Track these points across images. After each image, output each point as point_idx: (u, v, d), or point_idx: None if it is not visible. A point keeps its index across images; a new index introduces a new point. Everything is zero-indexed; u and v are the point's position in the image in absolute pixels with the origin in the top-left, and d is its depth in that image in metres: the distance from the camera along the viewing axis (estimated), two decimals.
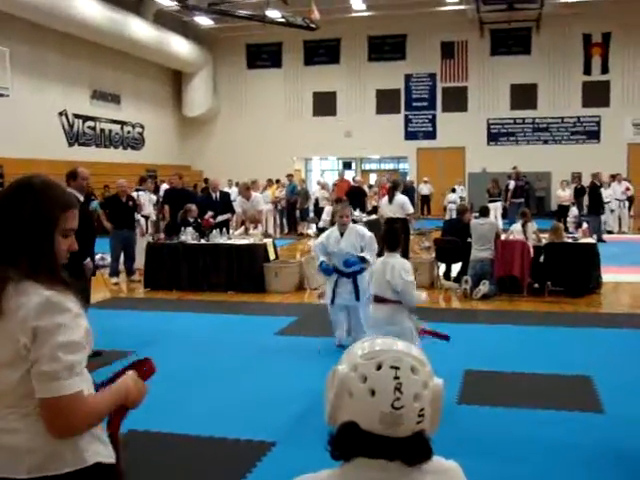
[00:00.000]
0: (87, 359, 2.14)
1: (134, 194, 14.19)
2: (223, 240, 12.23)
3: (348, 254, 7.58)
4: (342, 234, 7.71)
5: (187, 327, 9.12)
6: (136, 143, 30.11)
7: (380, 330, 5.54)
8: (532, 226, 11.69)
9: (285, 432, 5.25)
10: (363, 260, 7.49)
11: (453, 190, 27.10)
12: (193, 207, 12.97)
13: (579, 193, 22.64)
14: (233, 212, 14.12)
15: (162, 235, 13.55)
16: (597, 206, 18.69)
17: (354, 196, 18.61)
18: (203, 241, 12.16)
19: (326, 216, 17.82)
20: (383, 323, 5.82)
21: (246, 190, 13.94)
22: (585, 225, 14.18)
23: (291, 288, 11.80)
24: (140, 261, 12.84)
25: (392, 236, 6.18)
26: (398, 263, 5.91)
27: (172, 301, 11.18)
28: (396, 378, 1.52)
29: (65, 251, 2.15)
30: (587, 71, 29.93)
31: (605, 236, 18.96)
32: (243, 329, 9.05)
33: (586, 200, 20.51)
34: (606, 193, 21.03)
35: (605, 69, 29.76)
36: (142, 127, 30.35)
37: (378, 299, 5.99)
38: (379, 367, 1.53)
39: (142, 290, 12.20)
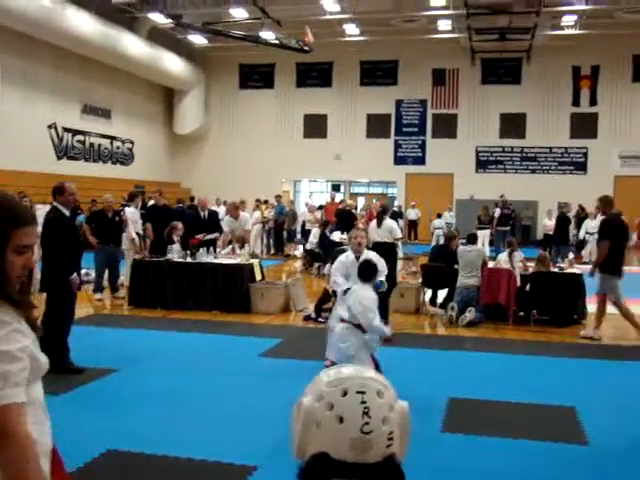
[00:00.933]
0: (41, 385, 2.07)
1: (126, 209, 14.18)
2: (209, 259, 12.18)
3: None
4: (357, 258, 7.55)
5: (171, 346, 9.04)
6: (125, 158, 30.07)
7: (334, 346, 6.46)
8: (518, 255, 11.71)
9: (267, 456, 5.18)
10: (382, 283, 7.36)
11: (439, 216, 27.16)
12: (179, 225, 12.93)
13: (563, 223, 22.78)
14: (221, 231, 14.10)
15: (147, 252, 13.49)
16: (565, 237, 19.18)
17: (343, 219, 18.62)
18: (189, 259, 12.10)
19: (313, 238, 17.85)
20: (337, 340, 6.35)
21: (235, 209, 13.92)
22: (571, 255, 14.24)
23: (277, 309, 11.74)
24: (126, 278, 12.76)
25: (368, 269, 6.38)
26: (362, 294, 6.17)
27: (156, 319, 11.09)
28: (363, 402, 1.51)
29: (20, 267, 2.09)
30: (576, 102, 30.26)
31: (589, 267, 18.96)
32: (227, 349, 8.99)
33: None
34: (592, 224, 21.13)
35: (593, 101, 30.10)
36: (132, 143, 30.34)
37: (341, 320, 6.40)
38: (345, 393, 1.52)
39: (126, 307, 12.10)
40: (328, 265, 11.14)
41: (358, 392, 1.50)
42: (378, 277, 7.16)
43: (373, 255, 7.68)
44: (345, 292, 6.83)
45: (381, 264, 7.41)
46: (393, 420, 1.51)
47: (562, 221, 19.70)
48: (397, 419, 1.53)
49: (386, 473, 1.53)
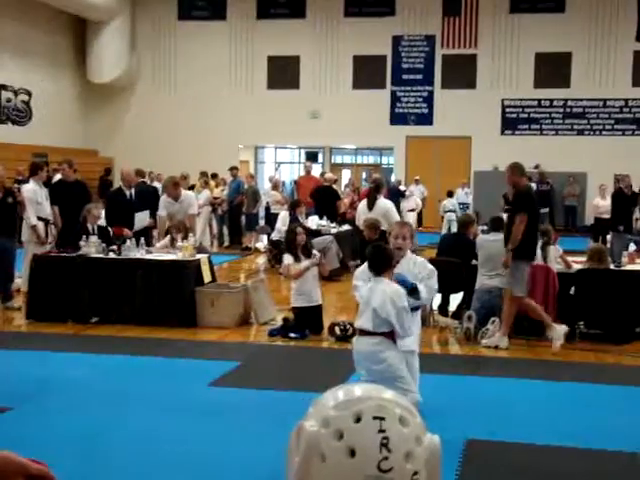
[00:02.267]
0: None
1: (23, 187, 14.10)
2: (140, 254, 12.15)
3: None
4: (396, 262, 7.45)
5: (87, 374, 9.01)
6: (19, 116, 29.86)
7: (363, 369, 6.31)
8: (555, 250, 11.74)
9: None
10: (414, 291, 7.11)
11: (450, 194, 27.21)
12: (95, 211, 12.89)
13: (627, 202, 22.96)
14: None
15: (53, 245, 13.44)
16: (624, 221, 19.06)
17: (323, 199, 18.68)
18: (112, 255, 12.06)
19: (281, 225, 17.86)
20: (366, 361, 6.33)
21: (174, 187, 13.89)
22: (633, 247, 14.34)
23: (232, 322, 11.75)
24: (23, 281, 12.70)
25: (380, 257, 6.50)
26: (389, 288, 6.26)
27: (66, 337, 11.04)
28: (381, 431, 1.52)
29: None
30: None
31: None
32: (165, 377, 8.98)
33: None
34: None
35: None
36: (28, 94, 30.10)
37: (362, 332, 6.40)
38: (358, 419, 1.54)
39: (24, 322, 12.05)
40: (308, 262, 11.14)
41: (375, 418, 1.52)
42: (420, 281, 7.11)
43: (421, 259, 7.55)
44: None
45: (431, 269, 7.32)
46: (419, 457, 1.52)
47: (620, 200, 19.72)
48: (425, 456, 1.54)
49: None
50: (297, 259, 11.14)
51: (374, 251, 6.62)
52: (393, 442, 1.51)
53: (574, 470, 6.30)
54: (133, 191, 14.01)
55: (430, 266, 7.53)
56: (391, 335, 6.27)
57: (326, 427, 1.56)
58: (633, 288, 11.36)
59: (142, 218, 13.76)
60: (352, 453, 1.51)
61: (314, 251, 11.79)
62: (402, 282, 7.15)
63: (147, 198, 14.28)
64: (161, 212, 13.90)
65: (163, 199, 14.18)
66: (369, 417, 1.53)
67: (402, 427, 1.53)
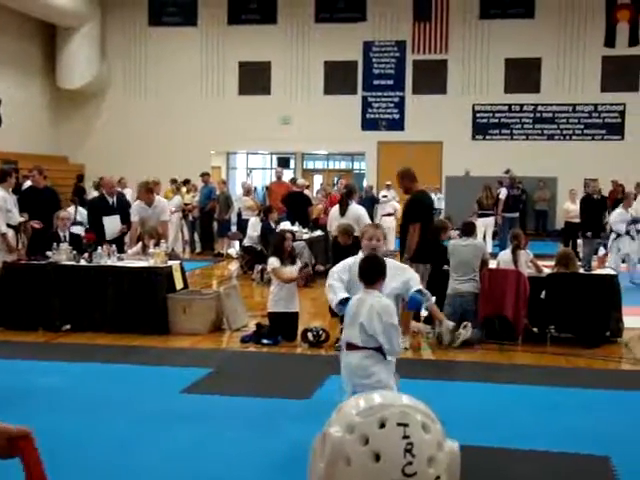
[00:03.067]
0: None
1: None
2: (112, 261, 12.11)
3: (394, 289, 7.13)
4: None
5: (56, 382, 8.96)
6: None
7: (351, 383, 6.01)
8: (525, 254, 11.82)
9: None
10: (421, 293, 7.10)
11: None
12: (64, 214, 12.83)
13: (596, 207, 23.10)
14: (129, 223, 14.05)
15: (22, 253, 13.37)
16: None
17: (294, 204, 18.69)
18: (83, 262, 12.01)
19: (252, 231, 17.84)
20: (354, 376, 6.08)
21: (147, 192, 13.84)
22: (602, 251, 14.46)
23: (205, 328, 11.74)
24: None
25: (374, 267, 6.25)
26: (377, 302, 6.02)
27: (37, 345, 10.99)
28: (405, 437, 1.53)
29: None
30: (610, 42, 30.61)
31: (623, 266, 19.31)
32: (137, 384, 8.95)
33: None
34: (634, 207, 21.43)
35: (634, 40, 30.46)
36: None
37: (350, 346, 6.16)
38: (382, 424, 1.55)
39: None
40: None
41: (399, 424, 1.53)
42: (413, 286, 6.96)
43: (392, 262, 7.49)
44: (342, 302, 6.71)
45: (409, 268, 7.36)
46: (441, 462, 1.54)
47: (588, 205, 19.90)
48: (446, 461, 1.55)
49: None
50: (283, 263, 11.19)
51: (367, 260, 6.36)
52: (417, 448, 1.53)
53: (546, 474, 6.33)
54: (115, 199, 13.97)
55: (402, 265, 7.58)
56: (380, 349, 6.04)
57: (351, 433, 1.57)
58: (603, 292, 11.44)
59: (112, 221, 13.66)
60: (377, 458, 1.52)
61: (298, 261, 11.86)
62: (417, 301, 7.08)
63: (124, 206, 14.23)
64: (134, 218, 13.84)
65: (136, 205, 14.13)
66: (393, 423, 1.55)
67: (425, 433, 1.55)
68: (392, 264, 7.24)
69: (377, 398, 1.63)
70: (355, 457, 1.53)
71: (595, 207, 19.66)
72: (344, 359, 6.30)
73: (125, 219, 13.82)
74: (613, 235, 17.42)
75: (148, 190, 13.92)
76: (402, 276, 7.12)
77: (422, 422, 1.56)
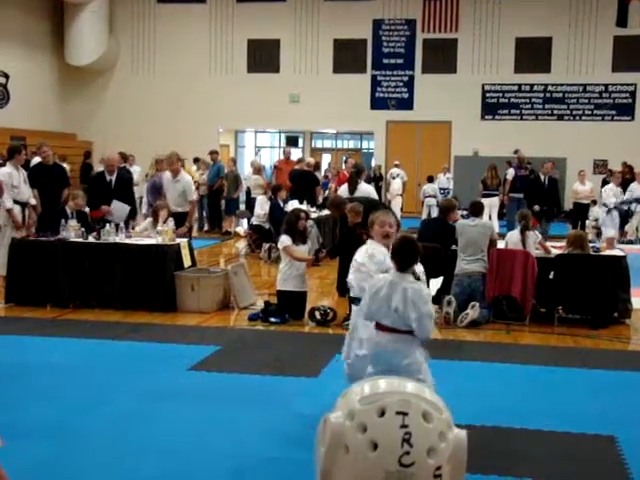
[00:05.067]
0: None
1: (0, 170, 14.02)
2: (120, 239, 12.13)
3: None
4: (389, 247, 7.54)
5: (65, 359, 9.01)
6: None
7: (383, 363, 5.78)
8: (534, 235, 11.81)
9: None
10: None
11: (430, 179, 27.29)
12: (80, 193, 12.85)
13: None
14: (133, 204, 14.01)
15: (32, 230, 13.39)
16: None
17: (302, 184, 18.68)
18: (91, 239, 12.04)
19: (260, 209, 17.84)
20: (390, 358, 5.84)
21: (178, 161, 13.85)
22: (611, 232, 14.44)
23: (212, 306, 11.78)
24: (1, 265, 12.66)
25: (410, 250, 5.96)
26: (411, 288, 5.81)
27: (46, 322, 11.04)
28: (404, 426, 1.54)
29: None
30: (622, 22, 30.44)
31: (636, 247, 19.32)
32: (144, 361, 8.99)
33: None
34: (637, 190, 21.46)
35: None
36: (6, 77, 29.89)
37: (381, 327, 5.96)
38: (382, 413, 1.55)
39: (2, 305, 12.03)
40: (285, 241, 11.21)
41: (398, 413, 1.53)
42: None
43: None
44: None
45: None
46: (443, 452, 1.53)
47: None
48: (449, 452, 1.55)
49: None
50: (294, 242, 11.21)
51: (403, 243, 6.01)
52: (415, 437, 1.53)
53: (552, 454, 6.35)
54: (115, 176, 13.87)
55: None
56: (412, 332, 5.81)
57: (351, 420, 1.58)
58: (611, 273, 11.43)
59: (120, 209, 13.59)
60: (374, 447, 1.53)
61: (309, 241, 11.92)
62: None
63: (125, 185, 14.12)
64: (143, 195, 13.83)
65: (166, 177, 14.13)
66: (392, 412, 1.55)
67: (425, 423, 1.55)
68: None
69: (382, 385, 1.63)
70: (353, 446, 1.54)
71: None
72: (375, 340, 6.06)
73: (125, 198, 13.70)
74: (604, 209, 17.48)
75: (178, 160, 13.94)
76: None
77: (424, 411, 1.57)
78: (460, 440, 1.60)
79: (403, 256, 5.91)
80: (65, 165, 18.15)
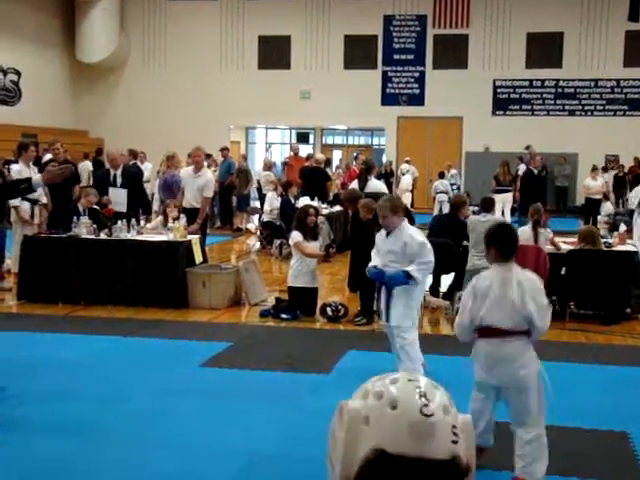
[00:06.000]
0: None
1: (12, 167, 14.06)
2: (131, 235, 12.16)
3: (389, 261, 7.84)
4: (389, 233, 7.93)
5: (78, 355, 9.04)
6: (9, 96, 29.74)
7: (498, 375, 5.53)
8: (545, 232, 11.77)
9: None
10: (409, 276, 7.67)
11: (441, 175, 27.26)
12: (92, 191, 12.88)
13: (619, 184, 23.09)
14: (142, 203, 13.95)
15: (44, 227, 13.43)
16: None
17: (312, 180, 18.68)
18: (103, 236, 12.07)
19: (268, 206, 17.86)
20: (504, 366, 5.52)
21: (199, 153, 13.85)
22: (623, 227, 14.41)
23: (224, 303, 11.79)
24: (13, 261, 12.70)
25: (510, 238, 5.65)
26: (526, 279, 5.49)
27: (58, 318, 11.07)
28: (418, 387, 1.58)
29: None
30: (633, 16, 30.29)
31: None
32: (156, 358, 9.02)
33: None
34: None
35: None
36: (18, 74, 29.98)
37: (494, 332, 5.55)
38: (395, 382, 1.59)
39: (14, 302, 12.06)
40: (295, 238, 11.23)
41: (410, 380, 1.58)
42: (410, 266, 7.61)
43: (412, 231, 7.88)
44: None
45: (418, 243, 7.73)
46: (455, 416, 1.57)
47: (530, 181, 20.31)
48: (459, 422, 1.59)
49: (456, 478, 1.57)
50: (305, 238, 11.22)
51: (502, 230, 5.69)
52: (430, 395, 1.57)
53: (564, 449, 6.35)
54: (119, 172, 13.78)
55: (420, 239, 7.77)
56: (527, 332, 5.49)
57: (365, 398, 1.61)
58: (623, 268, 11.41)
59: (117, 194, 13.43)
60: (394, 407, 1.56)
61: (320, 237, 11.96)
62: (376, 276, 7.93)
63: (130, 179, 14.04)
64: (155, 191, 13.78)
65: (185, 172, 14.11)
66: (405, 380, 1.59)
67: (435, 390, 1.60)
68: (409, 234, 7.62)
69: (394, 373, 1.67)
70: (372, 413, 1.56)
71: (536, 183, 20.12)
72: (484, 348, 5.65)
73: (132, 193, 13.62)
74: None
75: (203, 154, 13.94)
76: (412, 248, 7.60)
77: (431, 382, 1.62)
78: (466, 421, 1.64)
79: (508, 245, 5.54)
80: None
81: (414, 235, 7.86)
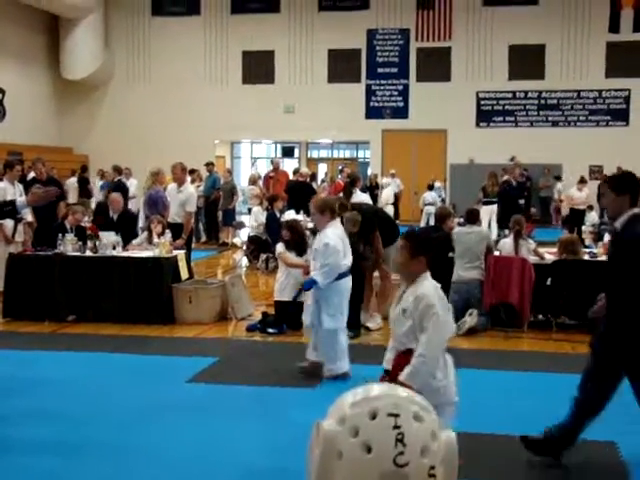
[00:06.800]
0: None
1: None
2: (117, 252, 12.13)
3: (313, 259, 8.24)
4: (318, 232, 8.39)
5: (64, 373, 9.00)
6: None
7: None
8: (527, 243, 11.78)
9: None
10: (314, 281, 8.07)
11: (430, 187, 27.38)
12: (79, 208, 12.86)
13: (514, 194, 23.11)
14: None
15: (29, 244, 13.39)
16: None
17: (297, 194, 18.64)
18: (89, 253, 12.03)
19: (254, 221, 17.85)
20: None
21: (182, 172, 13.81)
22: (607, 237, 14.44)
23: (210, 318, 11.77)
24: None
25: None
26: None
27: (44, 336, 11.03)
28: (396, 427, 1.53)
29: None
30: (614, 28, 30.51)
31: None
32: (143, 374, 8.98)
33: None
34: None
35: (639, 26, 30.35)
36: (2, 92, 29.87)
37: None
38: (374, 416, 1.54)
39: (0, 320, 12.01)
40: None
41: (390, 415, 1.52)
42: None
43: (330, 232, 8.04)
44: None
45: (324, 244, 8.02)
46: (436, 452, 1.53)
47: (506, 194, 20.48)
48: (442, 452, 1.54)
49: None
50: (289, 249, 11.21)
51: (421, 238, 5.74)
52: (408, 437, 1.52)
53: (551, 460, 6.34)
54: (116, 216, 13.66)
55: (326, 240, 8.06)
56: None
57: (342, 425, 1.56)
58: None
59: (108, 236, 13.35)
60: (368, 449, 1.52)
61: (309, 250, 11.97)
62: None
63: (127, 224, 14.02)
64: (190, 209, 13.71)
65: (170, 188, 14.08)
66: (384, 414, 1.54)
67: (417, 423, 1.54)
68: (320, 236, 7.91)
69: (374, 390, 1.61)
70: (346, 450, 1.52)
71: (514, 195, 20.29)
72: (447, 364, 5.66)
73: (125, 236, 13.47)
74: None
75: (183, 170, 13.92)
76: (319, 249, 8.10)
77: (415, 412, 1.55)
78: (451, 440, 1.59)
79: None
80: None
81: (325, 236, 8.05)
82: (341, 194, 14.17)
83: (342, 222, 11.81)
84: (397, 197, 29.21)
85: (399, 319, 5.37)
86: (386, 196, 26.52)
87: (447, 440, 1.59)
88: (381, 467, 1.51)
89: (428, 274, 5.59)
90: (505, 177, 22.49)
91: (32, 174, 17.38)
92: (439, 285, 5.51)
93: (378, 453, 1.51)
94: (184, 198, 13.58)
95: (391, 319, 5.64)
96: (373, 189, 26.92)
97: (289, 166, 25.44)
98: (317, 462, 1.55)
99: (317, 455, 1.56)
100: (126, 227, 13.36)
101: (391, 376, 5.16)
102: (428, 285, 5.46)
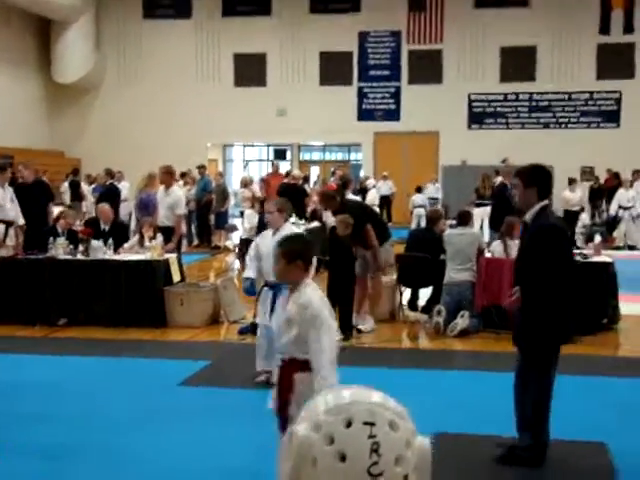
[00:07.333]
0: None
1: None
2: (108, 255, 12.11)
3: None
4: (276, 232, 8.27)
5: (55, 376, 8.99)
6: None
7: None
8: (515, 245, 11.74)
9: None
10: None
11: (419, 190, 27.31)
12: (70, 212, 12.84)
13: (595, 195, 23.16)
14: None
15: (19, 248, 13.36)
16: None
17: (290, 196, 18.61)
18: (80, 256, 12.01)
19: (247, 223, 17.83)
20: None
21: (168, 175, 13.76)
22: (598, 238, 14.49)
23: (202, 321, 11.76)
24: None
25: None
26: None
27: (35, 340, 11.01)
28: (371, 437, 1.53)
29: None
30: (605, 30, 30.58)
31: (624, 253, 19.39)
32: (135, 378, 8.97)
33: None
34: (627, 195, 21.56)
35: (629, 27, 30.44)
36: None
37: None
38: (349, 424, 1.55)
39: None
40: None
41: (366, 423, 1.53)
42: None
43: (288, 231, 8.10)
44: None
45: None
46: (409, 461, 1.54)
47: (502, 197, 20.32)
48: (414, 460, 1.55)
49: None
50: None
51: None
52: (383, 447, 1.52)
53: (544, 461, 6.35)
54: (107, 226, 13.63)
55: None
56: None
57: (317, 431, 1.56)
58: (599, 279, 11.45)
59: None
60: (343, 458, 1.52)
61: None
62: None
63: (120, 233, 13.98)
64: (133, 210, 13.70)
65: (160, 192, 14.04)
66: (359, 423, 1.54)
67: (392, 431, 1.54)
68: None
69: (346, 395, 1.61)
70: (321, 457, 1.52)
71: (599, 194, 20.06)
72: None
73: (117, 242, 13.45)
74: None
75: (168, 173, 13.85)
76: None
77: (390, 420, 1.55)
78: (424, 447, 1.60)
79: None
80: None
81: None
82: None
83: (335, 214, 11.87)
84: (389, 199, 29.24)
85: (284, 329, 5.23)
86: (371, 197, 26.46)
87: (420, 446, 1.59)
88: (355, 476, 1.51)
89: (309, 279, 5.34)
90: (500, 179, 22.51)
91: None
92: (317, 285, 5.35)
93: (352, 462, 1.51)
94: (172, 201, 13.56)
95: (275, 329, 5.55)
96: (365, 191, 26.90)
97: (282, 169, 25.37)
98: (291, 468, 1.55)
99: (291, 461, 1.56)
100: (118, 237, 13.31)
101: (279, 391, 5.13)
102: (310, 292, 5.23)
